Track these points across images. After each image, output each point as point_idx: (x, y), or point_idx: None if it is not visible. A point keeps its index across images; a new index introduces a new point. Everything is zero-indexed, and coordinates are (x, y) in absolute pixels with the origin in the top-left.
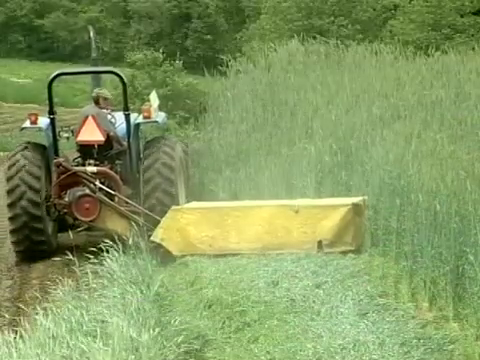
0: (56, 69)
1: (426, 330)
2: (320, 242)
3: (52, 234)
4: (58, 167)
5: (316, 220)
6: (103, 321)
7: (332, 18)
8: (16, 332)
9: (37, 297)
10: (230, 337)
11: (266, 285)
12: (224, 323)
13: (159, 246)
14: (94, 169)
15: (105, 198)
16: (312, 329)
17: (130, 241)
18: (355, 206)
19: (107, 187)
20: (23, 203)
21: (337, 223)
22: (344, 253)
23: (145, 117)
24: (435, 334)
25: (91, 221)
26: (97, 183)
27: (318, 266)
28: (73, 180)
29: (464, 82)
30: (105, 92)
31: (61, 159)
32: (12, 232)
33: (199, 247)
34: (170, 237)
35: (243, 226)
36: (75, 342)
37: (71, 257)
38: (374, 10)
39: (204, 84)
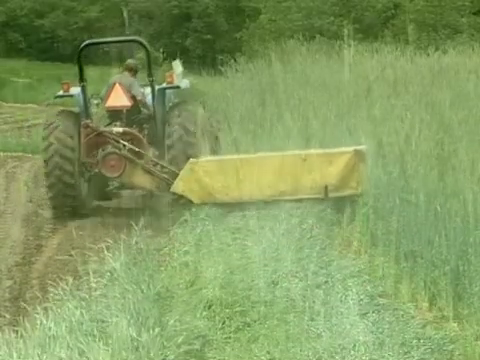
0: (56, 69)
1: (426, 330)
2: (326, 188)
3: (87, 195)
4: (86, 128)
5: (322, 167)
6: (103, 321)
7: (332, 18)
8: (16, 332)
9: (37, 297)
10: (230, 337)
11: (266, 285)
12: (224, 323)
13: (180, 197)
14: (120, 129)
15: (130, 155)
16: (312, 329)
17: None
18: (357, 152)
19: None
20: (57, 159)
21: (342, 168)
22: (349, 196)
23: (168, 82)
24: (435, 334)
25: (117, 177)
26: (123, 142)
27: (318, 266)
28: (100, 140)
29: (464, 82)
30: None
31: (88, 121)
32: (48, 187)
33: (216, 196)
34: (190, 188)
35: (256, 175)
36: (75, 342)
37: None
38: (374, 9)
39: (204, 84)
